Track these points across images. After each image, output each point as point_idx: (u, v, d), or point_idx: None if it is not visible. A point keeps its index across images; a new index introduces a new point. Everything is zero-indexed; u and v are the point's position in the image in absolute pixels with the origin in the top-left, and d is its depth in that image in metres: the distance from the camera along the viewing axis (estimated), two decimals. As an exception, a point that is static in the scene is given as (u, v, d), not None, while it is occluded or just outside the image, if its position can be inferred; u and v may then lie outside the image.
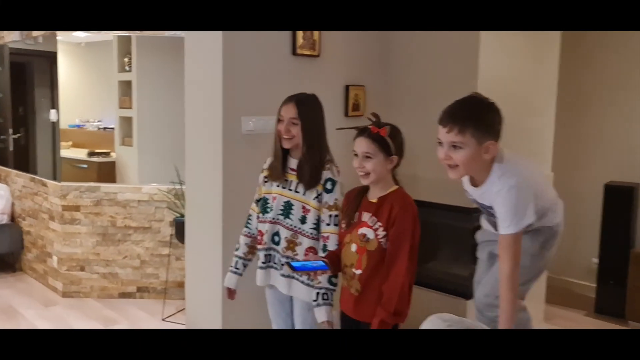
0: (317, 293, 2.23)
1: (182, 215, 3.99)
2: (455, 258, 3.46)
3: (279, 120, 2.33)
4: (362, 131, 2.08)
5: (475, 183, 2.14)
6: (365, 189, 2.15)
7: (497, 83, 3.23)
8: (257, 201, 2.49)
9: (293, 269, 2.10)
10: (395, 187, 2.11)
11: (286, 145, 2.33)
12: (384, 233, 2.03)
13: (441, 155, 1.98)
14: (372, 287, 2.06)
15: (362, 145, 2.05)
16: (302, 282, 2.34)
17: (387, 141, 2.04)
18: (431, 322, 1.63)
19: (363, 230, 2.08)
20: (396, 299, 1.98)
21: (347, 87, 3.22)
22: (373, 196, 2.12)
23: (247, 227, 2.52)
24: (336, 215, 2.29)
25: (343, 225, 2.19)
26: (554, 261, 3.96)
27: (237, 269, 2.50)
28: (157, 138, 5.56)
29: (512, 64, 3.28)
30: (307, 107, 2.32)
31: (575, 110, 4.22)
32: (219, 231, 2.79)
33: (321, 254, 2.25)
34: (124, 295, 4.38)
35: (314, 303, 2.23)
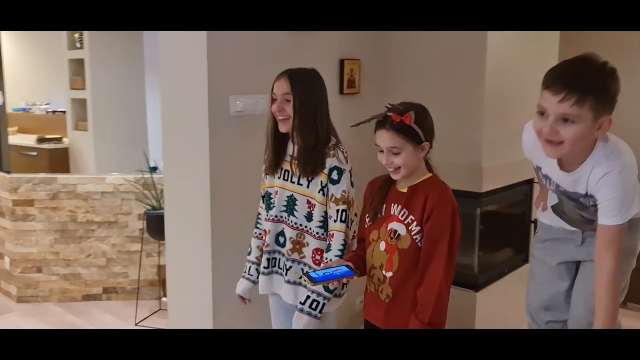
0: (307, 297, 1.90)
1: (154, 208, 3.59)
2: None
3: (273, 100, 1.98)
4: (382, 122, 1.74)
5: (566, 167, 1.74)
6: (389, 179, 1.84)
7: (506, 58, 2.97)
8: (263, 197, 2.15)
9: (313, 281, 1.71)
10: (428, 175, 1.80)
11: (282, 128, 1.98)
12: (418, 228, 1.73)
13: (545, 128, 1.55)
14: (406, 292, 1.76)
15: (386, 139, 1.73)
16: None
17: (414, 129, 1.71)
18: None
19: (393, 225, 1.77)
20: (432, 307, 1.68)
21: (341, 61, 2.87)
22: (403, 185, 1.81)
23: (257, 227, 2.19)
24: (344, 210, 1.94)
25: (367, 220, 1.87)
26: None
27: (250, 275, 2.17)
28: (116, 122, 5.09)
29: (517, 38, 3.01)
30: (302, 81, 1.97)
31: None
32: (206, 225, 2.43)
33: (326, 255, 1.93)
34: (88, 297, 3.95)
35: (298, 306, 1.90)
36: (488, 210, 3.06)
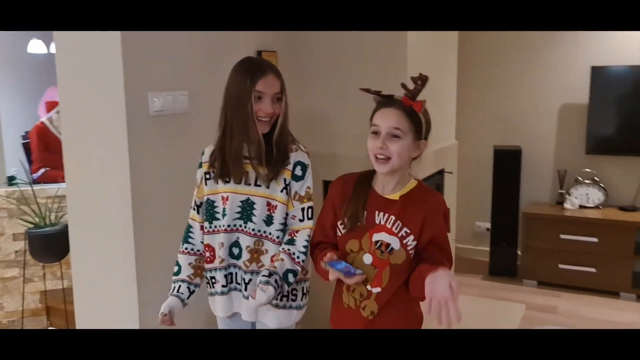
0: (271, 273, 1.70)
1: (38, 226, 3.11)
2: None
3: (257, 98, 1.74)
4: (389, 101, 1.56)
5: None
6: (368, 178, 1.65)
7: (424, 57, 2.99)
8: (197, 207, 1.88)
9: (335, 269, 1.54)
10: (414, 182, 1.64)
11: (265, 129, 1.77)
12: (414, 243, 1.56)
13: None
14: (393, 308, 1.61)
15: (391, 118, 1.52)
16: (271, 303, 1.81)
17: (421, 119, 1.56)
18: None
19: (382, 237, 1.58)
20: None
21: (259, 53, 2.69)
22: (388, 191, 1.61)
23: (187, 242, 1.89)
24: (310, 207, 1.80)
25: (342, 228, 1.65)
26: (455, 229, 3.95)
27: (180, 293, 1.84)
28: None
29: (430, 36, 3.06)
30: (281, 75, 1.79)
31: (469, 81, 4.20)
32: (128, 239, 2.12)
33: (287, 247, 1.75)
34: (-46, 337, 3.33)
35: (264, 278, 1.68)
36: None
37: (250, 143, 1.76)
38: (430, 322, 1.47)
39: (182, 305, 1.83)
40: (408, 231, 1.56)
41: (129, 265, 2.13)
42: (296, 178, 1.78)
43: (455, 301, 1.33)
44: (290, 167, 1.78)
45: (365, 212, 1.61)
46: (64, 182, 4.08)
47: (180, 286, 1.85)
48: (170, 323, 1.78)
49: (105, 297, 2.24)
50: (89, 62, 2.12)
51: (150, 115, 2.14)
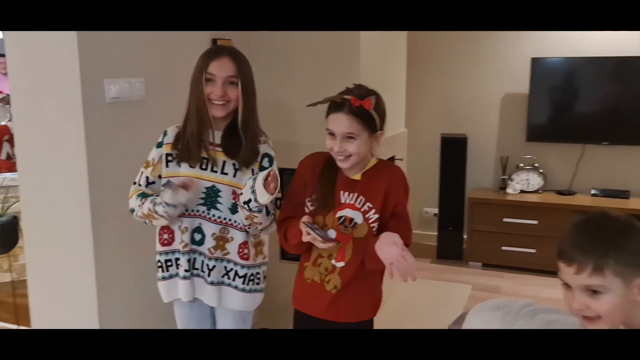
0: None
1: (-16, 217, 3.02)
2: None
3: (209, 81, 1.76)
4: (338, 105, 1.62)
5: None
6: (333, 159, 1.71)
7: (376, 48, 3.06)
8: (149, 183, 1.87)
9: (321, 237, 1.61)
10: (374, 160, 1.74)
11: (219, 112, 1.79)
12: (376, 216, 1.66)
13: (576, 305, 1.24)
14: (357, 282, 1.70)
15: (343, 124, 1.61)
16: (237, 287, 1.87)
17: (373, 116, 1.63)
18: (481, 317, 1.40)
19: (345, 212, 1.68)
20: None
21: (214, 41, 2.70)
22: (353, 172, 1.71)
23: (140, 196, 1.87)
24: (278, 199, 1.85)
25: (310, 206, 1.73)
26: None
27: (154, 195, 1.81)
28: None
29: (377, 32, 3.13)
30: (244, 61, 1.81)
31: (418, 72, 4.32)
32: (86, 228, 2.10)
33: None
34: None
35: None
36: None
37: (205, 127, 1.79)
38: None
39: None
40: (371, 205, 1.66)
41: (87, 254, 2.11)
42: (263, 169, 1.80)
43: (405, 252, 1.48)
44: (258, 158, 1.83)
45: (334, 192, 1.70)
46: (7, 172, 3.96)
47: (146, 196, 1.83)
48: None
49: (62, 288, 2.21)
50: (42, 47, 2.07)
51: (107, 102, 2.12)
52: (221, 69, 1.75)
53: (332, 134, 1.64)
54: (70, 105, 2.04)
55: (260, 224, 1.79)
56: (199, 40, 2.62)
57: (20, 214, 2.86)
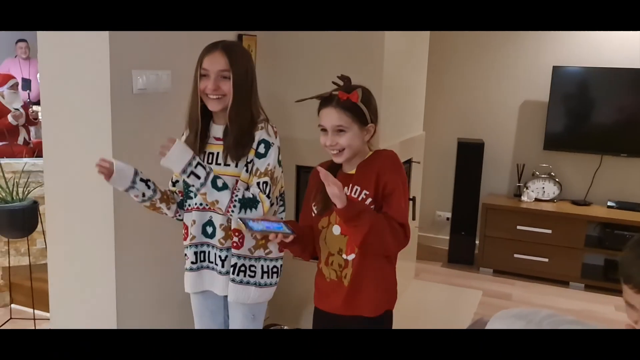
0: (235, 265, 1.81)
1: (5, 200, 3.06)
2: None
3: (202, 76, 1.80)
4: (327, 100, 1.69)
5: None
6: (334, 164, 1.76)
7: (399, 51, 3.07)
8: (174, 183, 1.95)
9: (249, 228, 1.63)
10: (370, 152, 1.77)
11: (215, 107, 1.81)
12: (369, 201, 1.68)
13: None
14: (368, 272, 1.72)
15: (332, 117, 1.66)
16: (248, 283, 1.88)
17: (361, 108, 1.68)
18: (503, 323, 1.40)
19: None
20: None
21: (240, 36, 2.72)
22: (350, 167, 1.76)
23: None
24: (265, 182, 1.80)
25: (314, 209, 1.78)
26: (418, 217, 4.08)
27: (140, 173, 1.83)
28: None
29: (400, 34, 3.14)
30: (239, 56, 1.82)
31: (438, 76, 4.32)
32: (108, 216, 2.13)
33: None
34: None
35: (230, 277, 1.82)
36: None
37: (199, 120, 1.82)
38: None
39: (131, 177, 1.80)
40: (367, 192, 1.69)
41: (108, 242, 2.14)
42: (258, 155, 1.81)
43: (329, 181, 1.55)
44: (254, 144, 1.81)
45: None
46: (28, 157, 4.00)
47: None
48: (104, 167, 1.75)
49: (82, 274, 2.25)
50: (73, 38, 2.10)
51: (134, 93, 2.15)
52: (213, 63, 1.78)
53: (324, 129, 1.69)
54: (98, 94, 2.07)
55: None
56: (225, 35, 2.63)
57: (39, 199, 2.91)
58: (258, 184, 1.80)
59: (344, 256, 1.74)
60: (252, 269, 1.88)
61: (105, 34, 2.01)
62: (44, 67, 2.21)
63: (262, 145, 1.81)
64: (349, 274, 1.74)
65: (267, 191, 1.80)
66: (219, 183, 1.74)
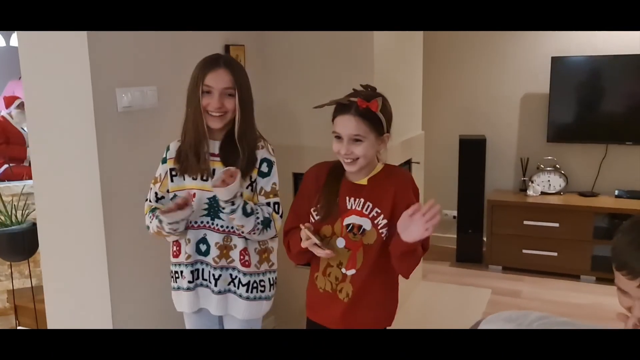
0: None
1: (4, 224, 3.06)
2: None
3: (206, 92, 1.76)
4: (345, 107, 1.61)
5: None
6: (340, 168, 1.70)
7: (391, 49, 3.03)
8: (159, 198, 1.90)
9: None
10: (381, 164, 1.71)
11: (217, 124, 1.79)
12: (385, 222, 1.63)
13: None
14: (370, 289, 1.67)
15: (350, 126, 1.59)
16: (241, 295, 1.86)
17: (380, 118, 1.61)
18: (493, 326, 1.36)
19: (353, 219, 1.65)
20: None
21: (227, 47, 2.70)
22: (358, 176, 1.69)
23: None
24: (276, 203, 1.84)
25: (315, 215, 1.72)
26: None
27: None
28: None
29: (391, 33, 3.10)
30: (241, 73, 1.81)
31: (434, 73, 4.27)
32: (99, 235, 2.11)
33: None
34: None
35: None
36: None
37: (202, 138, 1.79)
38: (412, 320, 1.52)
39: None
40: (379, 211, 1.64)
41: (101, 262, 2.13)
42: (262, 174, 1.82)
43: (422, 213, 1.48)
44: (257, 164, 1.82)
45: (338, 199, 1.68)
46: (29, 179, 4.02)
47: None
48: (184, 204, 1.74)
49: (77, 295, 2.23)
50: (54, 57, 2.09)
51: (119, 111, 2.13)
52: (218, 80, 1.75)
53: (338, 136, 1.63)
54: (82, 114, 2.05)
55: (243, 226, 1.75)
56: (211, 47, 2.61)
57: (38, 220, 2.91)
58: (268, 204, 1.82)
59: (343, 270, 1.68)
60: (262, 283, 1.88)
61: (85, 53, 1.99)
62: (28, 89, 2.20)
63: (265, 164, 1.82)
64: (345, 288, 1.69)
65: (278, 210, 1.84)
66: (248, 209, 1.75)
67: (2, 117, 5.07)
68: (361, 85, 1.70)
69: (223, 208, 1.74)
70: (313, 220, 1.71)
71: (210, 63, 1.78)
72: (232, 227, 1.82)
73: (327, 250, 1.61)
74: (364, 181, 1.67)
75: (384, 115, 1.62)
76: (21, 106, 5.13)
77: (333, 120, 1.64)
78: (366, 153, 1.61)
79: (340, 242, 1.67)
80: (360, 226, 1.65)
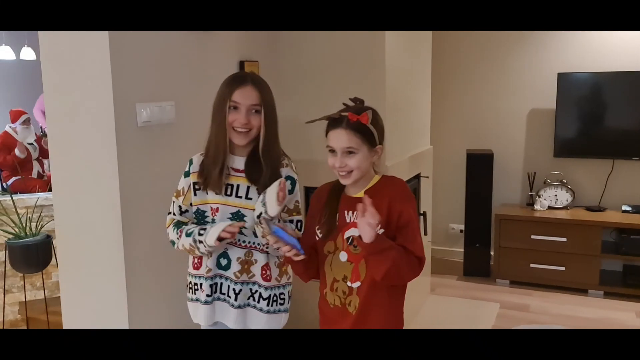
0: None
1: (18, 237, 3.10)
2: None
3: (233, 108, 1.80)
4: (336, 121, 1.66)
5: None
6: (338, 185, 1.74)
7: (401, 66, 3.08)
8: (183, 212, 1.92)
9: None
10: (377, 176, 1.75)
11: (242, 140, 1.82)
12: (382, 231, 1.65)
13: None
14: (376, 299, 1.69)
15: (342, 139, 1.64)
16: (262, 309, 1.88)
17: (371, 130, 1.66)
18: None
19: (352, 232, 1.68)
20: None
21: (241, 63, 2.75)
22: (355, 190, 1.73)
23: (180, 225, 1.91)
24: (299, 221, 1.89)
25: (318, 233, 1.76)
26: (431, 231, 4.06)
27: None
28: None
29: (403, 37, 3.15)
30: (266, 89, 1.85)
31: (443, 89, 4.32)
32: (118, 248, 2.14)
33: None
34: None
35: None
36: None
37: (226, 153, 1.82)
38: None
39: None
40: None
41: (119, 275, 2.16)
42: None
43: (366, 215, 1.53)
44: None
45: (337, 214, 1.72)
46: (39, 192, 4.06)
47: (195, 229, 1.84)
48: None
49: (95, 308, 2.26)
50: (76, 74, 2.14)
51: (139, 126, 2.18)
52: (245, 97, 1.79)
53: (332, 150, 1.67)
54: (103, 128, 2.10)
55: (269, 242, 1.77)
56: (227, 63, 2.67)
57: (53, 232, 2.94)
58: (291, 221, 1.87)
59: (349, 283, 1.71)
60: (282, 296, 1.91)
61: (107, 69, 2.04)
62: (50, 104, 2.24)
63: (289, 182, 1.85)
64: (353, 301, 1.71)
65: (302, 228, 1.88)
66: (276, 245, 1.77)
67: (5, 131, 5.12)
68: (350, 99, 1.75)
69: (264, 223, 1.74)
70: (317, 238, 1.75)
71: (238, 80, 1.82)
72: (254, 242, 1.85)
73: (293, 251, 1.66)
74: (361, 194, 1.70)
75: (375, 127, 1.66)
76: (27, 122, 5.18)
77: (326, 134, 1.69)
78: (360, 165, 1.65)
79: (343, 256, 1.71)
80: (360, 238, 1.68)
